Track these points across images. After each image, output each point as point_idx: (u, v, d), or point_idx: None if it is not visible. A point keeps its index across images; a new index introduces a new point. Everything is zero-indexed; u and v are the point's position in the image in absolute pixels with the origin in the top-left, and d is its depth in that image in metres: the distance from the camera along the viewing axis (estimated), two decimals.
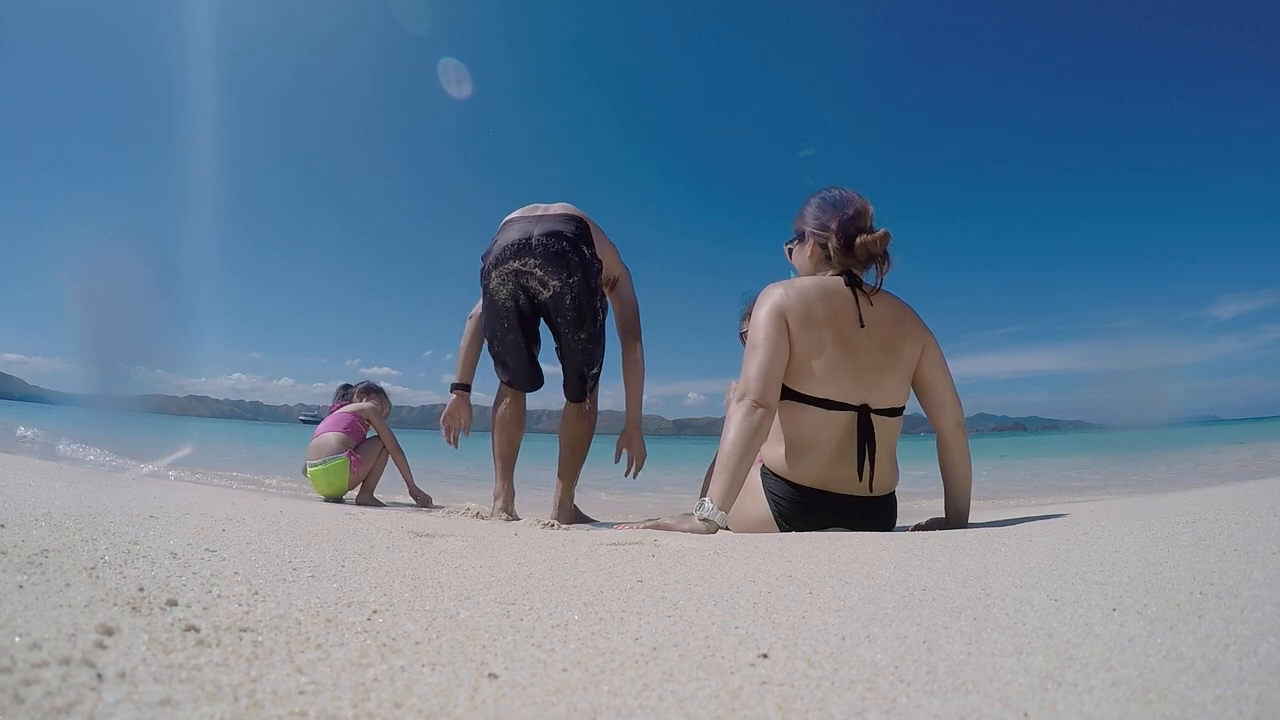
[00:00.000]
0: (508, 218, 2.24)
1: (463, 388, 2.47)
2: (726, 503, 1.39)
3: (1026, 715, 0.42)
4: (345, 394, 3.34)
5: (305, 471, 3.05)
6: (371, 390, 3.34)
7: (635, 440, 2.40)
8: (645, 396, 2.41)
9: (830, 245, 1.55)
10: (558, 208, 2.26)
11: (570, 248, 2.14)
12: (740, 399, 1.43)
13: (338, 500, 2.93)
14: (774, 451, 1.53)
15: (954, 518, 1.58)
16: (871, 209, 1.58)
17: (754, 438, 1.40)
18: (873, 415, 1.47)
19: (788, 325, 1.47)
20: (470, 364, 2.48)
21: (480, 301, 2.31)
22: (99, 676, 0.41)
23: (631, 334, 2.40)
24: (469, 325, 2.45)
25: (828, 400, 1.46)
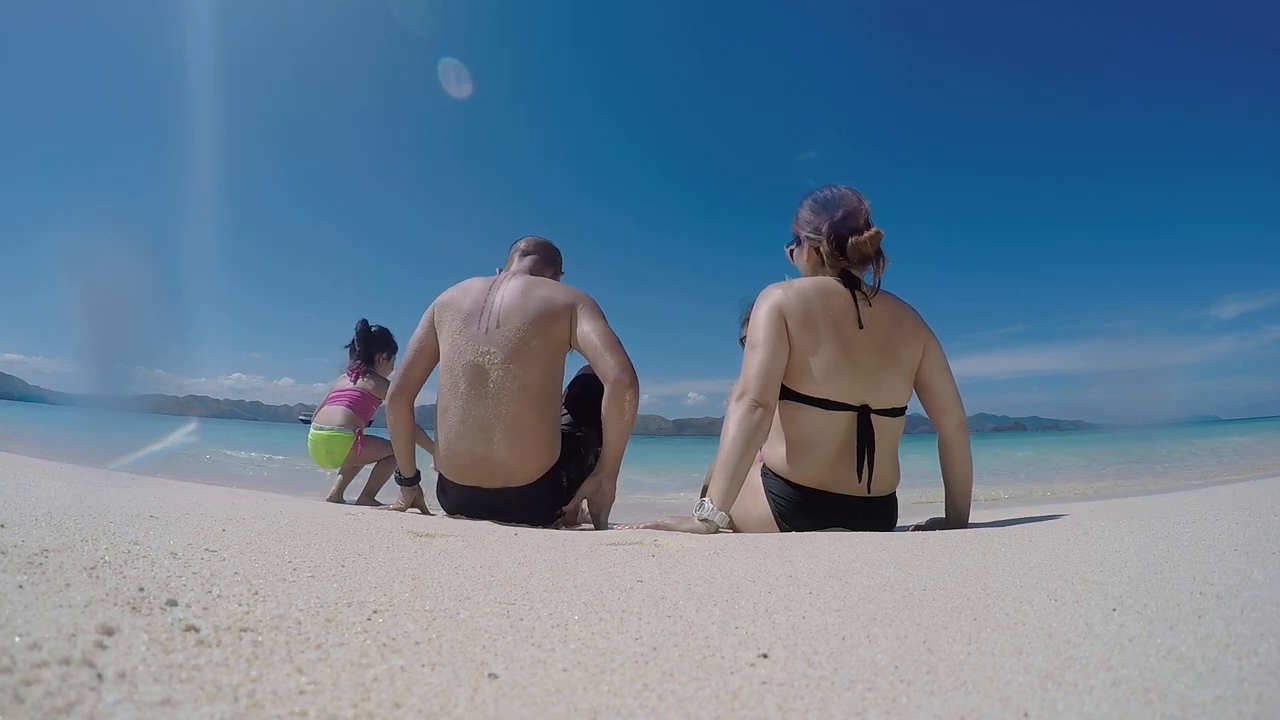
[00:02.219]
0: (449, 373, 1.76)
1: (413, 480, 2.05)
2: (726, 503, 1.39)
3: (1026, 715, 0.42)
4: (364, 337, 3.12)
5: (308, 436, 3.01)
6: (386, 348, 3.15)
7: (607, 489, 1.80)
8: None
9: (822, 249, 1.55)
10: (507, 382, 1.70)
11: (546, 509, 1.79)
12: (740, 398, 1.43)
13: (338, 500, 2.92)
14: (774, 451, 1.53)
15: (954, 518, 1.58)
16: (865, 206, 1.56)
17: (754, 437, 1.40)
18: (873, 415, 1.47)
19: (786, 325, 1.47)
20: (412, 451, 2.03)
21: (401, 370, 1.92)
22: (99, 676, 0.41)
23: (618, 372, 1.71)
24: (395, 413, 1.92)
25: (827, 400, 1.46)
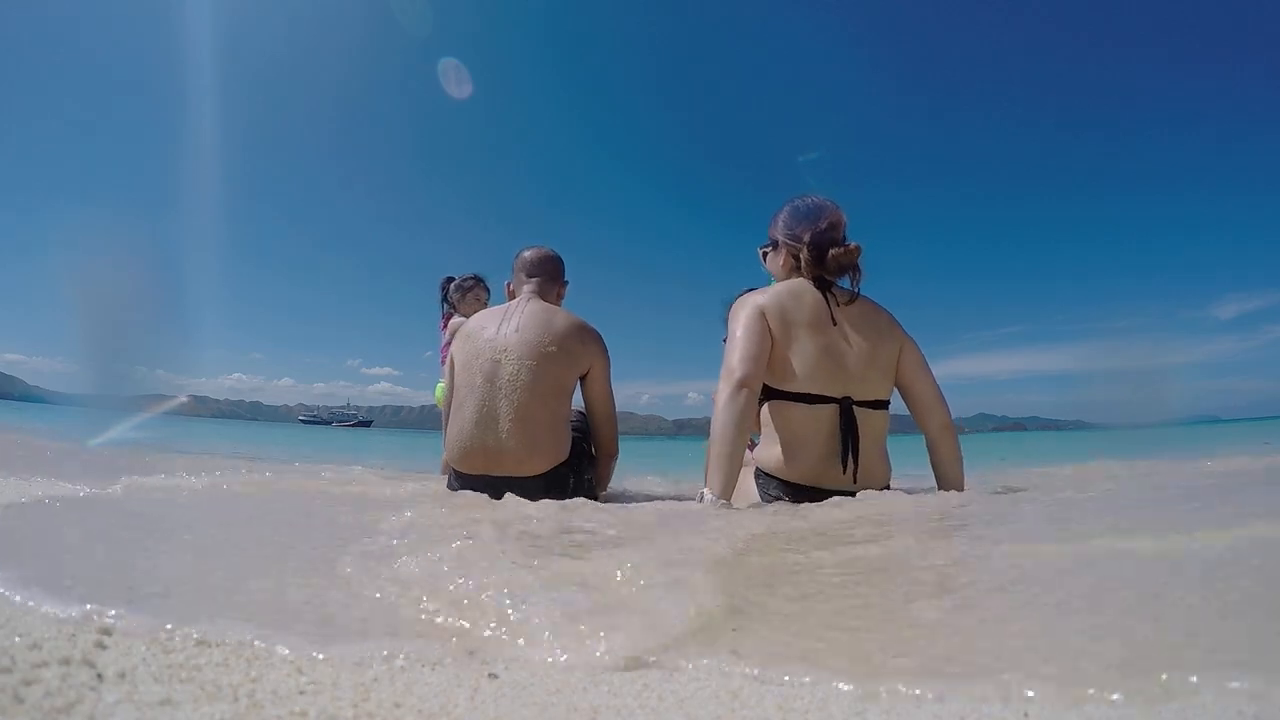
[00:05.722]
0: (462, 398, 1.79)
1: None
2: (727, 490, 1.40)
3: (1026, 715, 0.41)
4: (444, 290, 3.19)
5: None
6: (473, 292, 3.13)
7: None
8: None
9: (801, 256, 1.57)
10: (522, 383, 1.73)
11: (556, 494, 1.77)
12: (723, 383, 1.46)
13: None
14: (766, 452, 1.54)
15: None
16: (844, 219, 1.59)
17: (742, 419, 1.42)
18: (855, 407, 1.48)
19: (767, 322, 1.49)
20: None
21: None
22: (99, 676, 0.41)
23: (608, 448, 1.99)
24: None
25: (810, 395, 1.47)
